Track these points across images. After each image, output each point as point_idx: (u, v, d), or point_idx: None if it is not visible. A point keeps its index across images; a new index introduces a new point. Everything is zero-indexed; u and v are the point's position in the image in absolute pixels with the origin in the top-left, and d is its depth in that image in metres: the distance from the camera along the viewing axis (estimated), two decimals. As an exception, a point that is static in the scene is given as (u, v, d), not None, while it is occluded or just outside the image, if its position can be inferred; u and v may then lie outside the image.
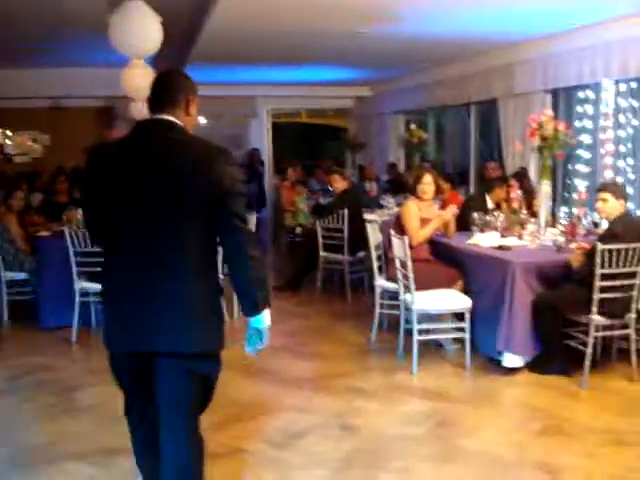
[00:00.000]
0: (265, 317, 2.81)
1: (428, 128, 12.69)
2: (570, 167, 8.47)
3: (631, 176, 7.70)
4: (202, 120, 13.91)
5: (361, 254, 7.71)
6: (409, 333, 5.42)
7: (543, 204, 6.10)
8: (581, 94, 8.28)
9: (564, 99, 8.68)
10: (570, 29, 7.70)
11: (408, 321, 5.48)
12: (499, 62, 9.31)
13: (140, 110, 7.12)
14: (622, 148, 7.78)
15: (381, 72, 11.91)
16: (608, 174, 7.86)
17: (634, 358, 5.01)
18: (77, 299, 6.30)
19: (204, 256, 2.70)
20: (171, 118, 2.72)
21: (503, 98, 9.38)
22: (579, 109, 8.31)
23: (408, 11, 6.81)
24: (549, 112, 6.08)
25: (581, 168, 8.33)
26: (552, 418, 4.46)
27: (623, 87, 7.76)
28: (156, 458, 2.83)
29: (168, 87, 2.78)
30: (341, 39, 8.30)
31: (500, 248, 5.61)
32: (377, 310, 6.09)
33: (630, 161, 7.69)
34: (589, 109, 8.20)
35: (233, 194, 2.63)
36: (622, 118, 7.78)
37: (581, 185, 8.27)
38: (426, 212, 6.01)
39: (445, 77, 10.88)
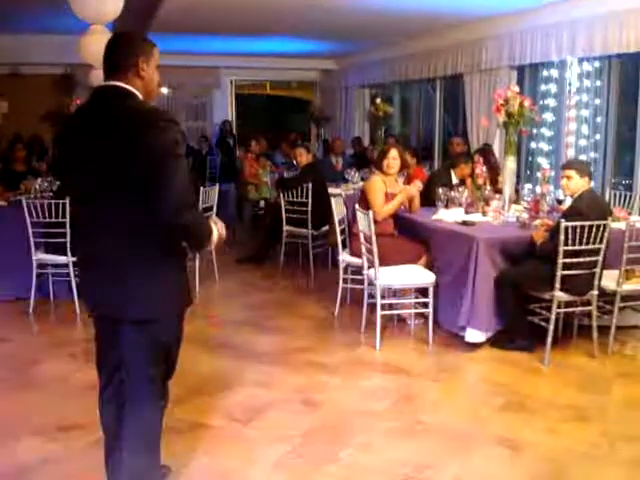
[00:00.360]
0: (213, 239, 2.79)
1: (394, 102, 12.64)
2: (534, 145, 8.51)
3: (592, 154, 7.77)
4: (164, 90, 13.67)
5: (325, 228, 7.67)
6: (372, 308, 5.40)
7: (508, 180, 6.11)
8: (545, 72, 8.30)
9: (529, 76, 8.70)
10: (538, 5, 7.70)
11: (372, 296, 5.46)
12: (466, 37, 9.29)
13: (100, 78, 6.91)
14: (584, 128, 7.85)
15: (347, 45, 11.81)
16: (570, 153, 7.93)
17: (595, 335, 5.05)
18: (34, 271, 6.16)
19: (148, 226, 2.60)
20: (120, 84, 2.65)
21: (469, 73, 9.37)
22: (543, 87, 8.34)
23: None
24: (515, 88, 6.05)
25: (544, 146, 8.38)
26: (514, 394, 4.48)
27: (588, 67, 7.80)
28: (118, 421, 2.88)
29: (116, 51, 2.70)
30: (303, 9, 8.18)
31: (464, 224, 5.60)
32: (340, 285, 6.06)
33: (591, 140, 7.76)
34: (553, 88, 8.23)
35: (164, 163, 2.52)
36: (585, 97, 7.84)
37: (544, 163, 8.32)
38: (391, 187, 5.97)
39: (411, 51, 10.83)
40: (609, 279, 5.13)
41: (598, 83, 7.73)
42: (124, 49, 2.69)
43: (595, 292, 4.98)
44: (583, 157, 7.76)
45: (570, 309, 5.13)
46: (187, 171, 2.61)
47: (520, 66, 8.60)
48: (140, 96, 2.68)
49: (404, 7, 7.87)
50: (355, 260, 5.84)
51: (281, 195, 7.70)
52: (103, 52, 2.70)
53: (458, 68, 9.60)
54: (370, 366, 5.01)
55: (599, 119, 7.72)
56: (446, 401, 4.41)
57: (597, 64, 7.70)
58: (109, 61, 2.69)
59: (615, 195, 6.95)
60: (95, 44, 6.78)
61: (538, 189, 6.83)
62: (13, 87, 11.80)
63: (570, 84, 8.02)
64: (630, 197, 6.78)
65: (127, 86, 2.65)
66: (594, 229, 4.78)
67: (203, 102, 14.77)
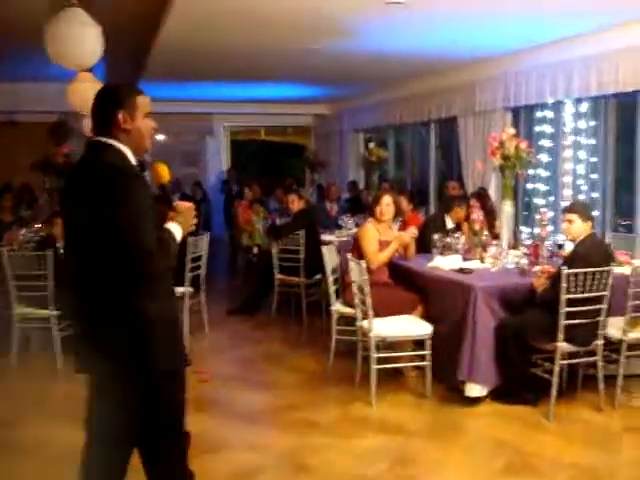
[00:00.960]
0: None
1: (388, 146, 12.52)
2: (530, 186, 8.35)
3: (592, 195, 7.61)
4: (160, 137, 13.58)
5: (318, 277, 7.44)
6: (367, 361, 5.14)
7: (505, 225, 5.90)
8: (540, 113, 8.19)
9: (524, 118, 8.59)
10: (530, 46, 7.61)
11: (366, 348, 5.21)
12: (459, 79, 9.19)
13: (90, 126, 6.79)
14: (580, 168, 7.71)
15: (340, 89, 11.75)
16: (567, 193, 7.78)
17: (601, 386, 4.80)
18: (15, 325, 5.93)
19: (106, 280, 2.61)
20: (103, 139, 2.67)
21: (463, 116, 9.25)
22: (538, 128, 8.21)
23: (362, 27, 6.65)
24: (510, 130, 5.89)
25: (541, 187, 8.23)
26: (517, 453, 4.21)
27: (583, 107, 7.69)
28: None
29: (98, 106, 2.73)
30: (296, 55, 8.12)
31: (461, 271, 5.39)
32: (334, 336, 5.81)
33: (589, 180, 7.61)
34: (548, 128, 8.11)
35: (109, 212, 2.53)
36: (581, 138, 7.72)
37: (540, 203, 8.16)
38: (385, 234, 5.78)
39: (404, 95, 10.74)
40: (614, 327, 4.90)
41: (593, 123, 7.61)
42: (104, 103, 2.70)
43: (600, 342, 4.75)
44: (582, 197, 7.61)
45: (574, 360, 4.87)
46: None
47: (515, 107, 8.48)
48: (126, 149, 2.67)
49: (398, 50, 7.79)
50: (349, 310, 5.61)
51: (273, 243, 7.51)
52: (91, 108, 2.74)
53: (452, 111, 9.49)
54: (365, 424, 4.74)
55: (595, 159, 7.58)
56: (445, 464, 4.13)
57: (592, 104, 7.59)
58: (93, 116, 2.73)
59: (616, 237, 6.78)
60: (81, 92, 6.70)
61: (536, 230, 6.65)
62: (8, 135, 11.71)
63: (565, 124, 7.90)
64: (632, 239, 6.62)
65: (110, 141, 2.65)
66: (597, 275, 4.57)
67: (197, 149, 14.68)
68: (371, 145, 11.00)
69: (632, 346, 4.95)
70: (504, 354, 4.87)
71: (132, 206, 2.52)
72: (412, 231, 5.87)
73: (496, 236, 6.20)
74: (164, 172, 2.89)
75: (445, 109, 9.67)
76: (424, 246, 6.10)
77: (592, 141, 7.64)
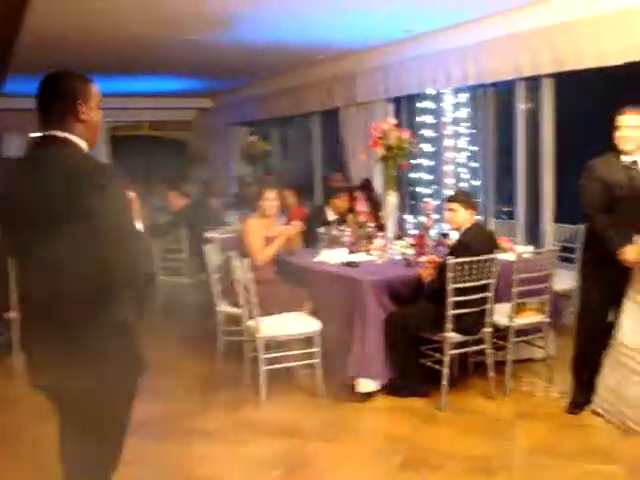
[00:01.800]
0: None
1: (273, 139, 12.33)
2: (414, 175, 8.38)
3: (474, 182, 7.72)
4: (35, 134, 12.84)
5: (204, 276, 7.17)
6: (256, 362, 4.95)
7: (390, 216, 5.84)
8: (421, 104, 8.22)
9: (406, 108, 8.61)
10: (410, 37, 7.61)
11: (255, 349, 5.01)
12: (340, 70, 9.11)
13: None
14: (462, 157, 7.80)
15: (222, 82, 11.47)
16: (449, 181, 7.86)
17: (491, 374, 4.81)
18: None
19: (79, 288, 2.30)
20: (58, 132, 2.38)
21: (345, 107, 9.19)
22: (420, 118, 8.25)
23: (238, 17, 6.43)
24: (392, 120, 5.83)
25: (425, 176, 8.28)
26: (413, 448, 4.13)
27: (463, 97, 7.78)
28: None
29: (51, 94, 2.43)
30: (173, 47, 7.79)
31: (347, 265, 5.28)
32: (220, 338, 5.59)
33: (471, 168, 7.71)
34: (429, 119, 8.16)
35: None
36: (461, 127, 7.82)
37: (425, 192, 8.21)
38: (270, 229, 5.60)
39: (287, 86, 10.57)
40: (500, 314, 4.92)
41: (472, 112, 7.71)
42: (60, 91, 2.42)
43: (488, 330, 4.76)
44: (464, 185, 7.69)
45: (463, 350, 4.85)
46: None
47: (397, 98, 8.48)
48: (82, 143, 2.42)
49: (277, 41, 7.60)
50: (236, 310, 5.39)
51: (154, 243, 7.17)
52: (36, 95, 2.43)
53: (334, 102, 9.41)
54: (257, 428, 4.54)
55: (476, 147, 7.69)
56: (342, 464, 4.01)
57: (472, 93, 7.68)
58: (44, 106, 2.42)
59: (498, 224, 6.89)
60: None
61: (422, 219, 6.65)
62: None
63: (445, 114, 7.96)
64: (513, 225, 6.74)
65: (67, 135, 2.39)
66: (482, 264, 4.56)
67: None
68: (252, 138, 10.78)
69: (519, 332, 5.00)
70: (394, 347, 4.80)
71: (120, 206, 2.31)
72: (297, 225, 5.72)
73: (382, 227, 6.13)
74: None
75: (327, 101, 9.58)
76: (310, 240, 5.96)
77: (472, 130, 7.74)
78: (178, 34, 7.04)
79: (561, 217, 6.70)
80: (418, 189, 8.38)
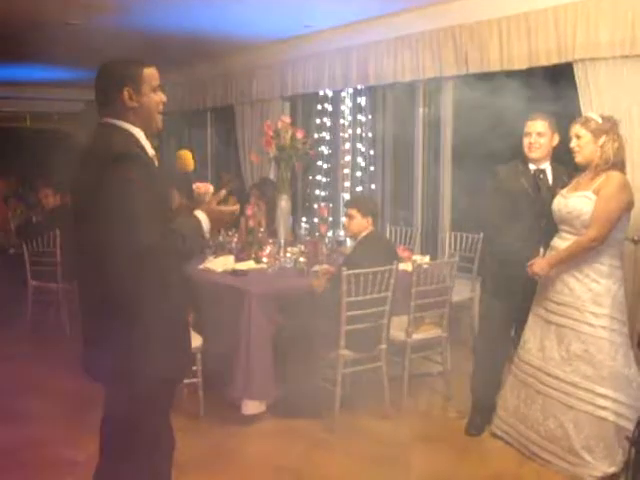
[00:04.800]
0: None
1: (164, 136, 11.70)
2: (311, 177, 8.04)
3: (372, 186, 7.46)
4: None
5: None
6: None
7: (282, 221, 5.44)
8: (319, 105, 7.89)
9: (303, 109, 8.27)
10: (307, 33, 7.28)
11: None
12: (236, 66, 8.70)
13: None
14: (360, 160, 7.54)
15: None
16: (346, 185, 7.57)
17: (387, 393, 4.50)
18: None
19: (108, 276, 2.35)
20: (107, 120, 2.48)
21: (240, 105, 8.75)
22: (318, 120, 7.91)
23: (127, 2, 5.91)
24: (287, 119, 5.45)
25: (321, 179, 7.95)
26: (299, 477, 3.74)
27: (362, 99, 7.50)
28: None
29: (100, 85, 2.51)
30: (54, 32, 7.13)
31: (234, 273, 4.84)
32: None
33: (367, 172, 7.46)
34: (327, 121, 7.85)
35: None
36: (361, 132, 7.56)
37: (322, 195, 7.89)
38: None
39: (181, 80, 10.02)
40: (397, 328, 4.62)
41: (371, 114, 7.46)
42: (106, 81, 2.50)
43: (384, 346, 4.43)
44: (359, 189, 7.42)
45: (358, 368, 4.49)
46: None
47: (293, 98, 8.12)
48: (136, 130, 2.48)
49: (168, 30, 7.10)
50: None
51: (24, 245, 6.50)
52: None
53: (229, 99, 8.95)
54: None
55: (372, 151, 7.43)
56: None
57: (371, 94, 7.42)
58: (96, 97, 2.53)
59: (395, 231, 6.64)
60: None
61: (316, 222, 6.31)
62: None
63: (344, 116, 7.67)
64: (411, 232, 6.51)
65: (116, 122, 2.47)
66: (379, 276, 4.22)
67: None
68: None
69: (416, 347, 4.71)
70: (283, 364, 4.40)
71: (129, 198, 2.27)
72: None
73: (275, 232, 5.73)
74: (189, 160, 2.77)
75: (221, 97, 9.12)
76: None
77: (371, 133, 7.49)
78: (57, 17, 6.43)
79: (460, 224, 6.52)
80: (315, 192, 8.04)
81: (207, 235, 2.50)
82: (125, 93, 2.45)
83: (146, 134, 2.53)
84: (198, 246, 2.59)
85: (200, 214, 2.48)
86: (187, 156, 2.73)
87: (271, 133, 5.33)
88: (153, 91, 2.54)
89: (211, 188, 2.71)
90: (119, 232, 2.25)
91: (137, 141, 2.46)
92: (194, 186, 2.67)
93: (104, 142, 2.42)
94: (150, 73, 2.54)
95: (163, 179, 2.51)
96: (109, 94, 2.47)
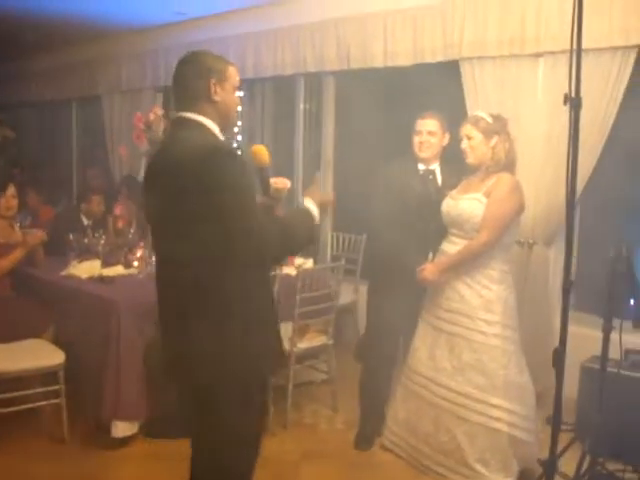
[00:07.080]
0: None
1: (26, 127, 10.81)
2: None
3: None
4: None
5: None
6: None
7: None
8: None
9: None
10: (181, 20, 6.88)
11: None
12: (103, 53, 8.15)
13: None
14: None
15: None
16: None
17: (270, 408, 4.19)
18: None
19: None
20: (188, 114, 2.36)
21: (108, 95, 8.19)
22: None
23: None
24: (159, 111, 5.03)
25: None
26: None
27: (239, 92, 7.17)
28: None
29: (184, 75, 2.38)
30: None
31: (100, 280, 4.40)
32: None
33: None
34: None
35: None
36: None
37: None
38: (5, 235, 4.56)
39: (42, 67, 9.30)
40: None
41: (249, 109, 7.18)
42: (194, 71, 2.37)
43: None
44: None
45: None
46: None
47: (167, 88, 7.67)
48: (213, 126, 2.38)
49: (27, 9, 6.47)
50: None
51: None
52: (172, 77, 2.42)
53: (96, 89, 8.36)
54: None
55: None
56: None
57: (249, 88, 7.12)
58: (177, 87, 2.41)
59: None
60: None
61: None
62: None
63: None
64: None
65: (196, 116, 2.36)
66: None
67: None
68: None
69: (301, 356, 4.45)
70: (155, 381, 4.00)
71: (236, 188, 2.20)
72: (38, 233, 4.68)
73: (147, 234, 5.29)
74: (265, 155, 2.55)
75: (88, 86, 8.51)
76: (55, 248, 4.96)
77: (248, 128, 7.21)
78: None
79: (341, 225, 6.34)
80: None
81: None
82: (212, 85, 2.35)
83: (222, 131, 2.45)
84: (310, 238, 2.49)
85: (309, 203, 2.44)
86: (263, 151, 2.54)
87: (142, 126, 4.89)
88: (234, 91, 2.45)
89: (289, 184, 2.62)
90: (232, 228, 2.18)
91: (216, 134, 2.38)
92: (271, 181, 2.55)
93: (185, 136, 2.33)
94: (234, 72, 2.45)
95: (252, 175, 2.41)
96: (193, 83, 2.35)
